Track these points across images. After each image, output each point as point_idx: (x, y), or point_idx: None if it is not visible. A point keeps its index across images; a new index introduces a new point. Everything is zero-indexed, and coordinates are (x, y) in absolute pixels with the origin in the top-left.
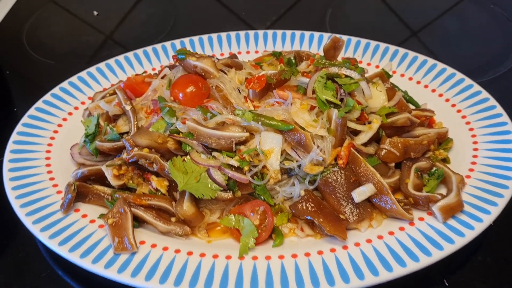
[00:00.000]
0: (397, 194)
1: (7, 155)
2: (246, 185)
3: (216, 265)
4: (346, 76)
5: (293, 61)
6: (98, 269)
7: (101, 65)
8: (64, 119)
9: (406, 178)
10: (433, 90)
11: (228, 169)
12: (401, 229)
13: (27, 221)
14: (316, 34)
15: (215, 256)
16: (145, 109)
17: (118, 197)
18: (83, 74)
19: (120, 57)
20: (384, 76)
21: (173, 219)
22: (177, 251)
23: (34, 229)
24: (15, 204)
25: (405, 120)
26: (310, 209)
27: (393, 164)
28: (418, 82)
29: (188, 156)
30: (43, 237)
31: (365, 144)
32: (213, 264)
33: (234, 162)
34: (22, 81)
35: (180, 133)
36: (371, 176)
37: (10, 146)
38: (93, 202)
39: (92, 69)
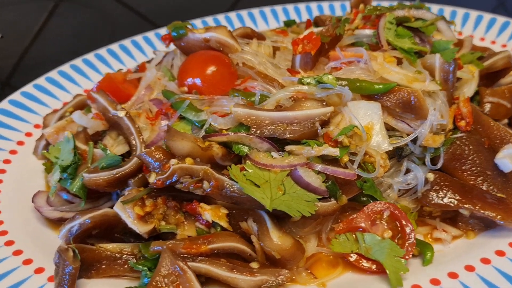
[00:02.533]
0: None
1: None
2: (350, 184)
3: None
4: (417, 19)
5: None
6: None
7: (40, 80)
8: (6, 161)
9: None
10: (493, 42)
11: (322, 164)
12: None
13: None
14: (314, 4)
15: None
16: (145, 114)
17: (160, 249)
18: (15, 96)
19: (65, 67)
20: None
21: (254, 265)
22: None
23: None
24: None
25: (506, 61)
26: (454, 196)
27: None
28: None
29: (248, 161)
30: None
31: None
32: None
33: (332, 150)
34: None
35: (222, 131)
36: (504, 134)
37: None
38: (104, 273)
39: (29, 88)
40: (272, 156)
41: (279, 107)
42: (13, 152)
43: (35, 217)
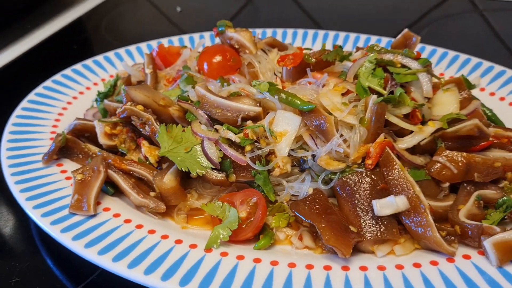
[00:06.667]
0: (445, 224)
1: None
2: (244, 169)
3: (174, 252)
4: (403, 66)
5: None
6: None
7: (121, 51)
8: (74, 97)
9: (460, 204)
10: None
11: (226, 144)
12: (434, 263)
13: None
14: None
15: (178, 242)
16: (168, 78)
17: (99, 154)
18: (99, 58)
19: (152, 42)
20: (462, 84)
21: (152, 194)
22: (139, 226)
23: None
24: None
25: (471, 128)
26: (313, 211)
27: (447, 185)
28: None
29: (189, 126)
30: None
31: (411, 151)
32: (170, 250)
33: (233, 136)
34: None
35: (190, 101)
36: (406, 186)
37: (9, 127)
38: (81, 161)
39: (110, 54)
40: (201, 127)
41: (240, 97)
42: (81, 93)
43: None
